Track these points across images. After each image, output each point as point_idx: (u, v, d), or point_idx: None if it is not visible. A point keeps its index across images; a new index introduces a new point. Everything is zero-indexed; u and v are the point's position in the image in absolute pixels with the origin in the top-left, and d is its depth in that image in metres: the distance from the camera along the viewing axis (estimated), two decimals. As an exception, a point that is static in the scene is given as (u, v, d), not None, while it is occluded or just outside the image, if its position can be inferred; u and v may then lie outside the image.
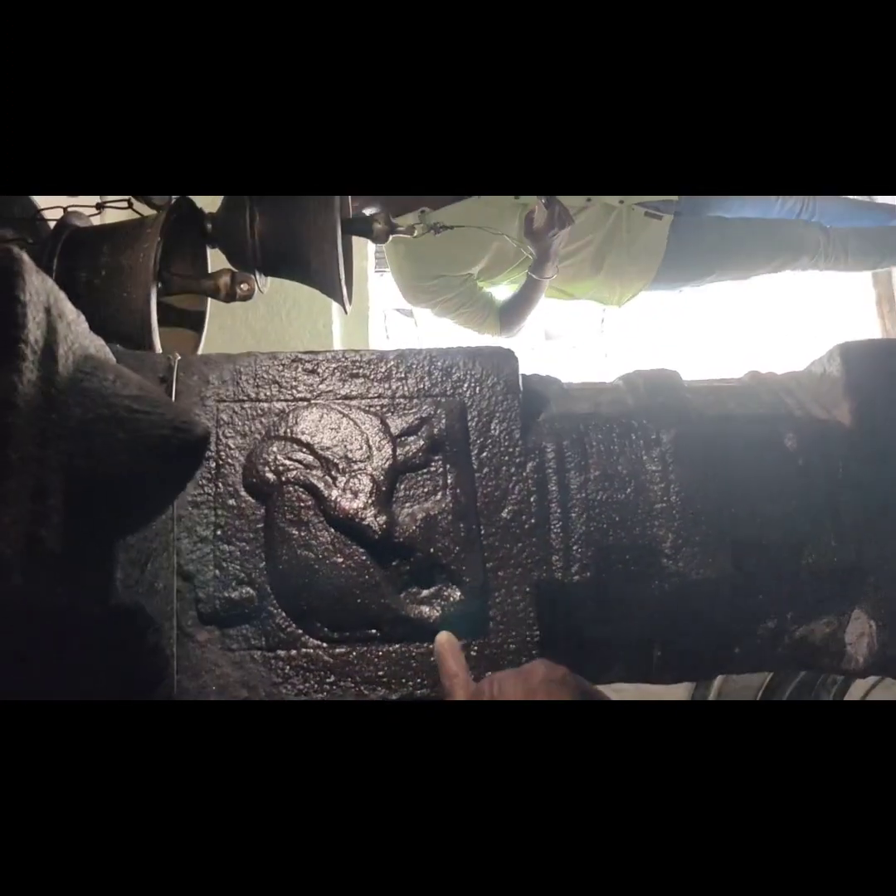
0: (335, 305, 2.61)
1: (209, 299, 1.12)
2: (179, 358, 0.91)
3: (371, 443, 0.87)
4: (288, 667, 0.83)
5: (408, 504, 0.86)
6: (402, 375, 0.91)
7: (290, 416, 0.89)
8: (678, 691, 2.44)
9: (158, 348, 0.97)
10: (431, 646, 0.83)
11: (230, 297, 1.03)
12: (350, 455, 0.87)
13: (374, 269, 3.19)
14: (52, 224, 1.05)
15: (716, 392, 0.98)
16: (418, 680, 0.83)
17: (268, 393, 0.90)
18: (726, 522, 0.88)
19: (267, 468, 0.87)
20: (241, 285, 1.03)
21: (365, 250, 3.07)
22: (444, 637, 0.78)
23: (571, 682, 0.70)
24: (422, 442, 0.88)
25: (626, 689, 2.45)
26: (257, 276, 1.11)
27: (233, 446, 0.88)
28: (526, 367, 0.96)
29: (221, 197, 1.16)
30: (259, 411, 0.89)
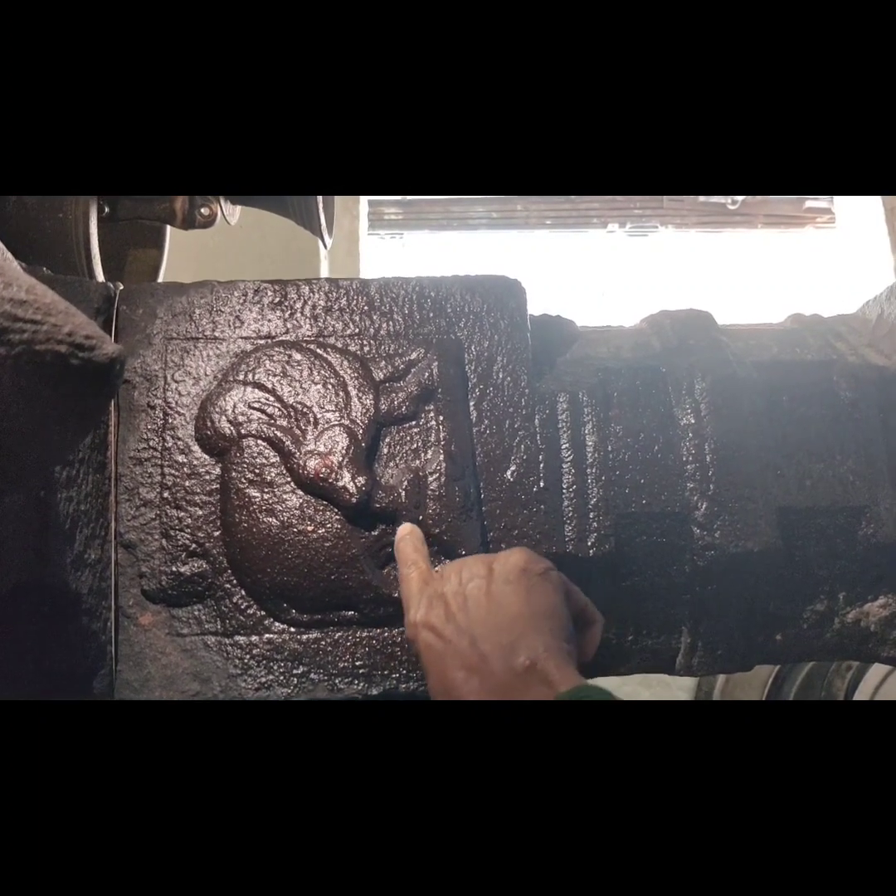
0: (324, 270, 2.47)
1: (169, 229, 0.98)
2: (121, 287, 0.76)
3: (349, 390, 0.73)
4: (248, 655, 0.69)
5: (392, 463, 0.72)
6: (387, 310, 0.77)
7: (253, 357, 0.74)
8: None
9: (100, 277, 0.82)
10: None
11: (188, 223, 0.88)
12: (323, 404, 0.73)
13: (367, 232, 3.04)
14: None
15: (756, 336, 0.83)
16: (403, 672, 0.69)
17: (227, 330, 0.76)
18: (771, 486, 0.74)
19: (223, 418, 0.72)
20: (201, 210, 0.88)
21: (356, 210, 2.91)
22: (407, 526, 0.70)
23: (555, 578, 0.62)
24: (410, 389, 0.73)
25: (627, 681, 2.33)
26: (223, 204, 0.96)
27: (184, 392, 0.74)
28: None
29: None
30: (216, 351, 0.75)
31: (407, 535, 0.69)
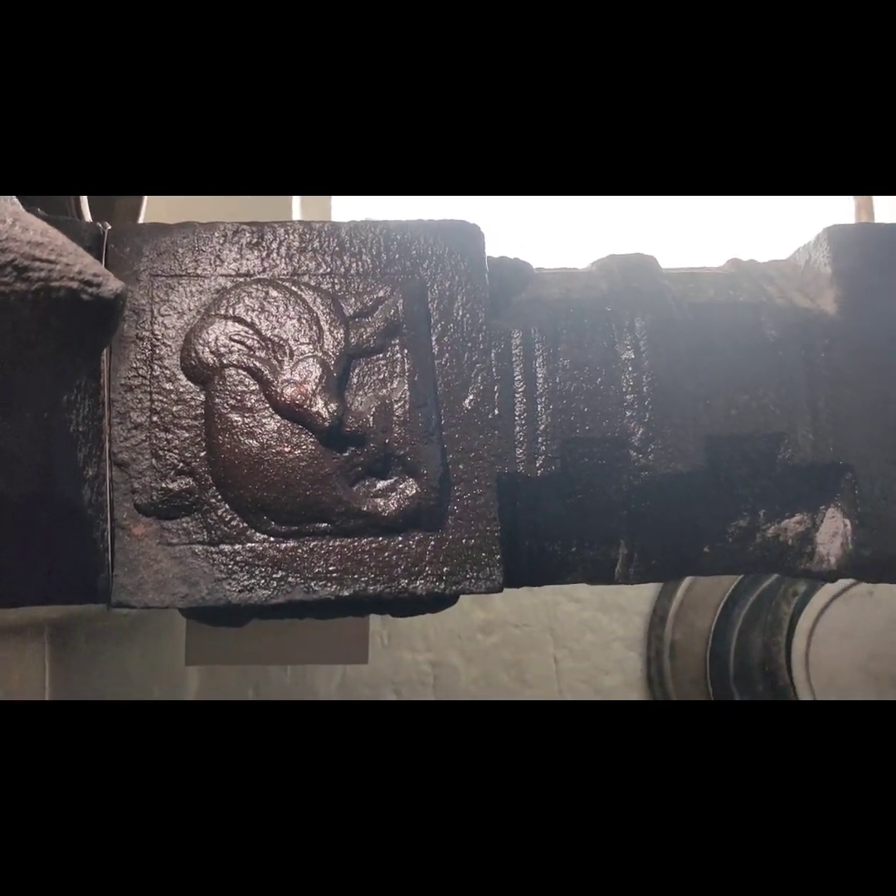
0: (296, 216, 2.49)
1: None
2: (109, 227, 0.82)
3: (322, 324, 0.80)
4: (232, 562, 0.77)
5: (361, 391, 0.80)
6: (356, 251, 0.83)
7: (233, 293, 0.81)
8: (642, 598, 2.45)
9: (88, 217, 0.88)
10: (384, 540, 0.78)
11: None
12: (298, 337, 0.80)
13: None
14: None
15: (695, 279, 0.91)
16: (371, 576, 0.78)
17: (208, 268, 0.82)
18: (701, 415, 0.83)
19: (207, 350, 0.79)
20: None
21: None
22: None
23: None
24: (377, 324, 0.81)
25: (589, 598, 2.43)
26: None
27: (169, 325, 0.80)
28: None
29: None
30: (198, 288, 0.82)
31: None
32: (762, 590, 2.32)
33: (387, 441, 0.78)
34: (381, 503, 0.78)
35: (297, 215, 2.50)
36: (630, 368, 0.83)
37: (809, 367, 0.85)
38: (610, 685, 2.36)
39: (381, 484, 0.78)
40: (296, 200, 2.52)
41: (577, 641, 2.41)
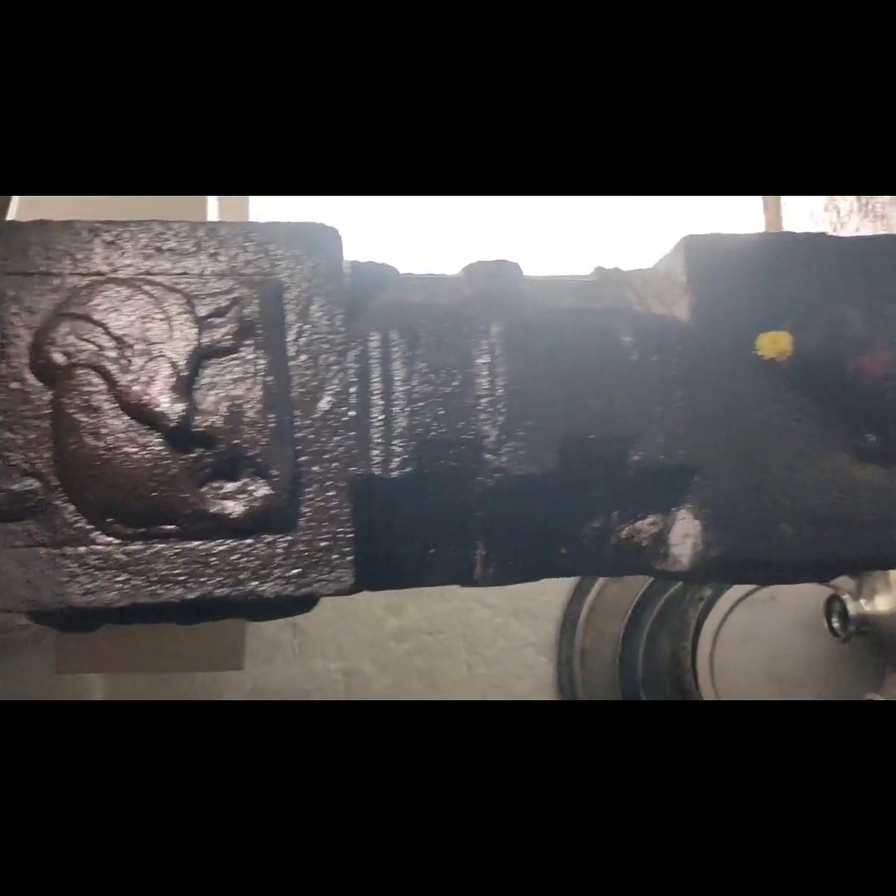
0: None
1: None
2: (-45, 222, 0.80)
3: (173, 324, 0.80)
4: (76, 565, 0.76)
5: (212, 392, 0.79)
6: (213, 251, 0.83)
7: (85, 292, 0.80)
8: (554, 604, 2.48)
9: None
10: (233, 543, 0.78)
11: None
12: (149, 337, 0.79)
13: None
14: None
15: (558, 286, 0.93)
16: (218, 579, 0.77)
17: (61, 266, 0.81)
18: (554, 418, 0.84)
19: (56, 349, 0.78)
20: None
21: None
22: None
23: None
24: (231, 325, 0.80)
25: (502, 604, 2.43)
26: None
27: (19, 324, 0.79)
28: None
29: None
30: (50, 286, 0.80)
31: None
32: (669, 595, 2.36)
33: (236, 442, 0.78)
34: (230, 505, 0.77)
35: (213, 216, 2.47)
36: (485, 372, 0.84)
37: (663, 372, 0.87)
38: (521, 691, 2.38)
39: (230, 486, 0.78)
40: (212, 201, 2.49)
41: (490, 647, 2.42)
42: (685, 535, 0.89)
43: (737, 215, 3.05)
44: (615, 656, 2.39)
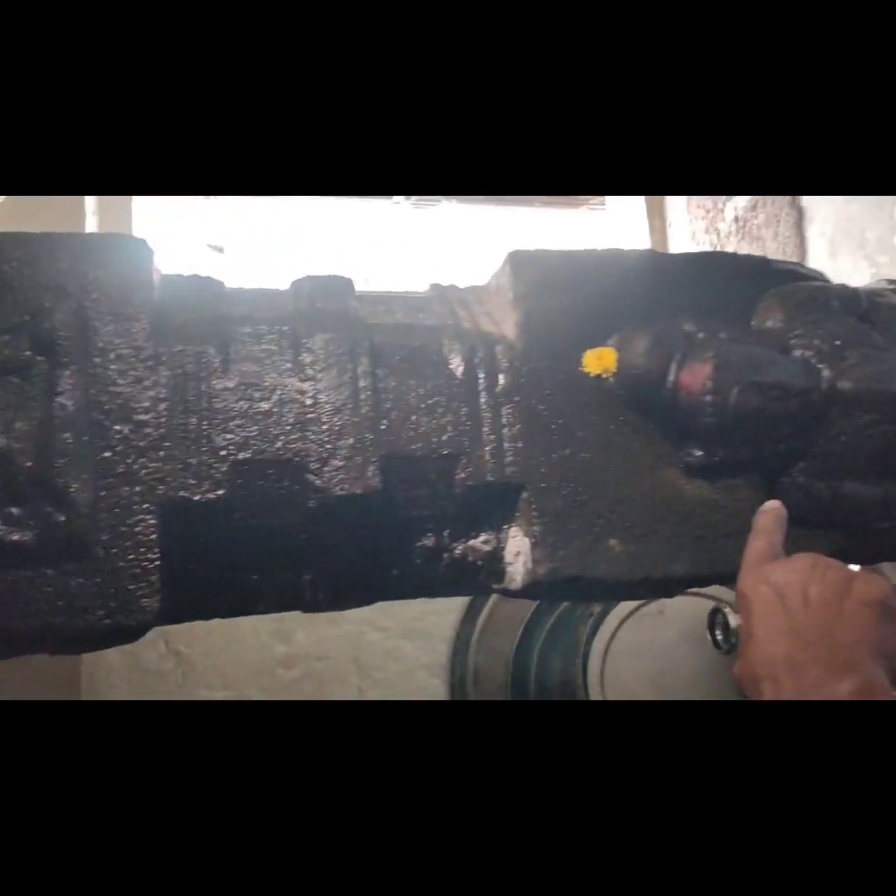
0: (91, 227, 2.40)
1: None
2: None
3: (-37, 340, 0.75)
4: None
5: (4, 412, 0.74)
6: (16, 265, 0.78)
7: None
8: (446, 624, 2.45)
9: None
10: (30, 572, 0.73)
11: None
12: (-66, 353, 0.74)
13: (145, 188, 2.94)
14: None
15: (387, 301, 0.91)
16: (14, 611, 0.72)
17: None
18: (377, 436, 0.82)
19: None
20: None
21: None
22: (775, 503, 0.78)
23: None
24: (25, 340, 0.76)
25: (393, 626, 2.39)
26: None
27: None
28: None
29: None
30: None
31: (772, 510, 0.77)
32: (560, 612, 2.37)
33: (29, 465, 0.73)
34: (19, 535, 0.72)
35: (91, 217, 2.40)
36: (305, 389, 0.81)
37: (490, 389, 0.86)
38: (413, 714, 2.34)
39: (18, 511, 0.73)
40: (90, 201, 2.42)
41: (382, 671, 2.38)
42: (517, 552, 0.87)
43: (623, 236, 3.12)
44: (507, 675, 2.38)
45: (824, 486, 0.88)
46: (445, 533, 0.87)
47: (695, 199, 2.79)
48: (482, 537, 0.88)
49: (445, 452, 0.84)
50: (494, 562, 0.89)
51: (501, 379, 0.86)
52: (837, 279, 1.09)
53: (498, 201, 3.28)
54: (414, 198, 3.20)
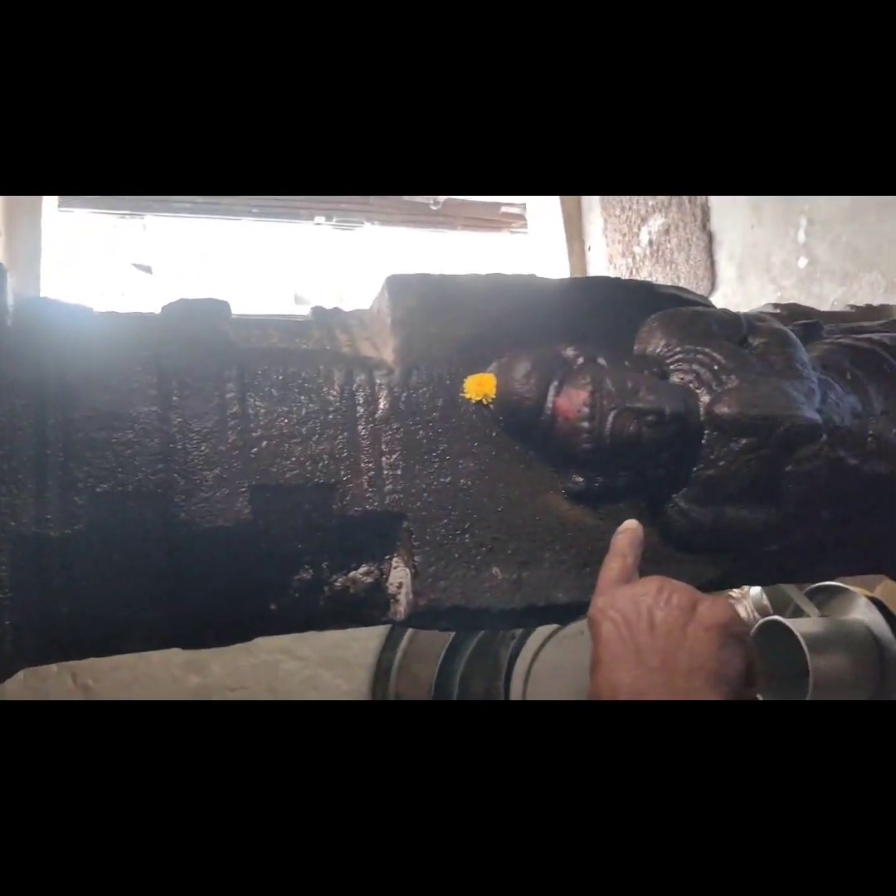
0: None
1: None
2: None
3: None
4: None
5: None
6: None
7: None
8: (367, 651, 2.41)
9: None
10: None
11: None
12: None
13: (56, 207, 2.87)
14: None
15: (263, 326, 0.89)
16: None
17: None
18: (247, 465, 0.79)
19: None
20: None
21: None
22: (632, 522, 0.77)
23: (749, 645, 0.65)
24: None
25: (311, 655, 2.34)
26: None
27: None
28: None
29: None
30: None
31: (628, 531, 0.76)
32: (481, 637, 2.35)
33: None
34: None
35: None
36: (171, 417, 0.78)
37: (369, 416, 0.84)
38: (332, 744, 2.29)
39: None
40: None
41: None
42: (399, 584, 0.85)
43: (543, 259, 3.15)
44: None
45: (706, 511, 0.88)
46: (324, 565, 0.84)
47: (612, 223, 2.84)
48: (363, 569, 0.86)
49: (321, 481, 0.81)
50: (378, 593, 0.87)
51: (381, 405, 0.84)
52: (746, 301, 1.11)
53: (420, 224, 3.29)
54: (335, 219, 3.18)
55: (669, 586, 0.69)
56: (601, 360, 0.86)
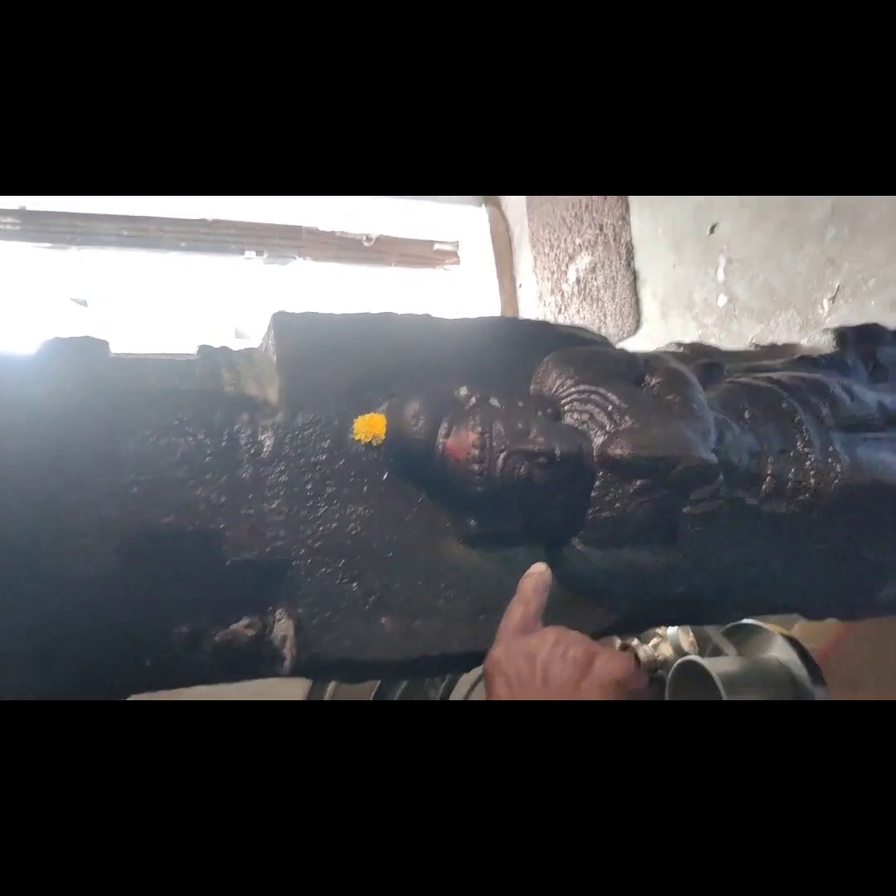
0: None
1: None
2: None
3: None
4: None
5: None
6: None
7: None
8: (296, 694, 2.33)
9: None
10: None
11: None
12: None
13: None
14: None
15: (141, 365, 0.85)
16: None
17: None
18: (115, 512, 0.74)
19: None
20: None
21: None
22: (541, 565, 0.74)
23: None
24: None
25: (236, 694, 2.28)
26: None
27: None
28: None
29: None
30: None
31: (534, 575, 0.73)
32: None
33: None
34: None
35: None
36: (36, 462, 0.73)
37: (253, 459, 0.80)
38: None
39: None
40: None
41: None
42: (284, 636, 0.81)
43: (476, 298, 3.16)
44: (357, 747, 2.28)
45: (603, 554, 0.85)
46: (202, 618, 0.80)
47: (541, 260, 2.86)
48: (245, 621, 0.81)
49: (198, 529, 0.77)
50: (263, 646, 0.82)
51: (264, 447, 0.81)
52: (669, 339, 1.10)
53: (352, 259, 3.28)
54: (266, 254, 3.15)
55: (567, 639, 0.66)
56: (494, 401, 0.84)
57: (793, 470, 0.94)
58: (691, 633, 1.79)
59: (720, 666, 1.36)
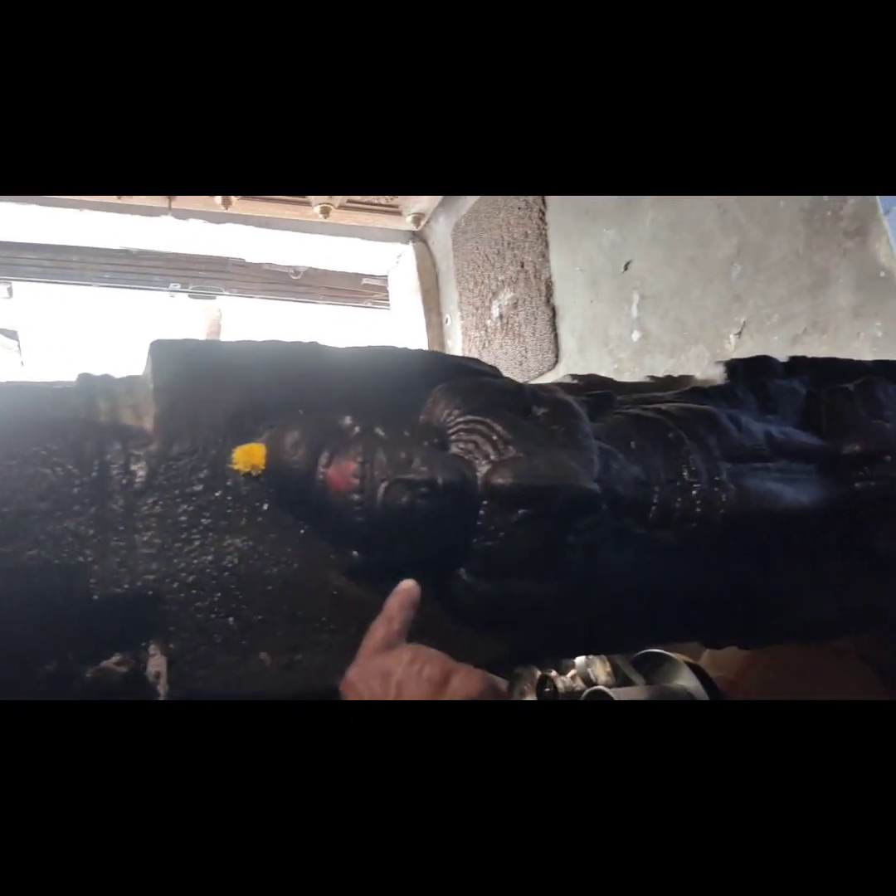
0: None
1: None
2: None
3: None
4: None
5: None
6: None
7: None
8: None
9: None
10: None
11: None
12: None
13: None
14: None
15: (15, 392, 0.82)
16: None
17: None
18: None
19: None
20: None
21: None
22: (410, 582, 0.73)
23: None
24: None
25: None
26: None
27: None
28: None
29: None
30: None
31: (401, 592, 0.72)
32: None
33: None
34: None
35: None
36: None
37: (124, 490, 0.78)
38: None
39: None
40: None
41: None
42: (157, 672, 0.78)
43: (403, 333, 3.17)
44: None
45: (491, 585, 0.85)
46: (69, 656, 0.77)
47: (466, 296, 2.89)
48: (116, 658, 0.78)
49: (64, 562, 0.74)
50: (136, 684, 0.79)
51: (137, 478, 0.79)
52: (586, 373, 1.11)
53: (279, 294, 3.26)
54: (191, 287, 3.12)
55: (422, 657, 0.66)
56: (379, 430, 0.83)
57: (679, 499, 0.95)
58: (608, 663, 1.79)
59: (627, 695, 1.36)
